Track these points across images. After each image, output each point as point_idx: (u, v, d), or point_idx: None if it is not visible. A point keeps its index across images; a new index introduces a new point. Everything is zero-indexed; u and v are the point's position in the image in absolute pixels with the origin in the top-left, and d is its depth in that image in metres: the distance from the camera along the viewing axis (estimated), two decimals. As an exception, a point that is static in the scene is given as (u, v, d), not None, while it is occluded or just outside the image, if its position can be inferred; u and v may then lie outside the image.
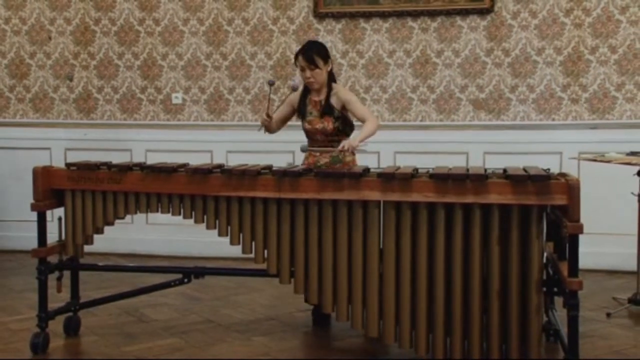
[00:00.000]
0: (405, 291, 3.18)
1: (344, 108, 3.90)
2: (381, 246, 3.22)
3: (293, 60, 4.05)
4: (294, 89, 3.91)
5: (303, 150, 3.94)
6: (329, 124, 3.89)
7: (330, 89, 3.95)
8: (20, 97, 6.19)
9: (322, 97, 3.95)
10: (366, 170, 3.33)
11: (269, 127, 4.04)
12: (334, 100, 3.91)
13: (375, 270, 3.22)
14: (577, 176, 3.24)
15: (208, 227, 3.47)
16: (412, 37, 5.59)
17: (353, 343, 3.75)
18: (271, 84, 3.93)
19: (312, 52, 3.87)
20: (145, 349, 3.63)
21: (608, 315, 4.16)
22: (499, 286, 3.08)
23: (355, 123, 4.00)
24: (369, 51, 5.66)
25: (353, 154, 3.87)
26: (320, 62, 3.87)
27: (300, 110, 3.99)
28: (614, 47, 5.30)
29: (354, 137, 3.75)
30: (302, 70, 3.90)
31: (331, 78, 3.98)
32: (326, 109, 3.91)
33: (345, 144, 3.66)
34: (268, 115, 3.95)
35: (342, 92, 3.96)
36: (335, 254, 3.28)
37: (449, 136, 5.49)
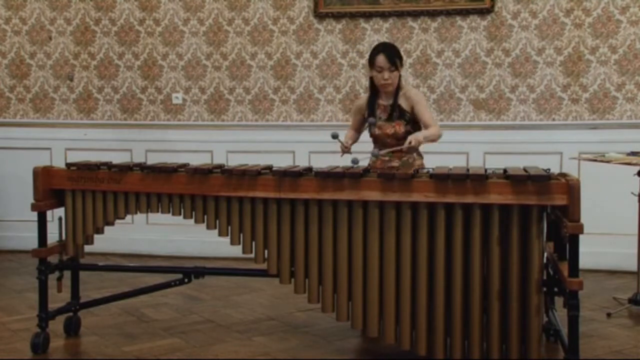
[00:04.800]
0: (406, 291, 3.18)
1: (412, 108, 3.85)
2: (381, 246, 3.22)
3: (367, 63, 3.95)
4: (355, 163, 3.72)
5: (375, 155, 3.82)
6: (400, 128, 3.84)
7: (398, 90, 3.88)
8: (20, 97, 6.19)
9: (391, 101, 3.88)
10: (366, 170, 3.33)
11: (349, 148, 3.93)
12: (402, 102, 3.86)
13: (375, 270, 3.21)
14: (577, 176, 3.25)
15: (208, 227, 3.48)
16: (413, 37, 5.59)
17: (353, 343, 3.75)
18: (335, 137, 3.75)
19: (394, 54, 3.82)
20: (145, 349, 3.63)
21: (608, 315, 4.16)
22: (499, 286, 3.08)
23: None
24: (369, 51, 5.65)
25: (421, 157, 3.89)
26: (399, 64, 3.83)
27: (369, 116, 3.92)
28: (614, 47, 5.30)
29: (418, 133, 3.72)
30: (379, 71, 3.82)
31: (400, 80, 3.91)
32: (397, 113, 3.85)
33: (411, 138, 3.63)
34: (345, 147, 3.87)
35: (412, 93, 3.91)
36: (336, 254, 3.28)
37: (449, 136, 5.43)
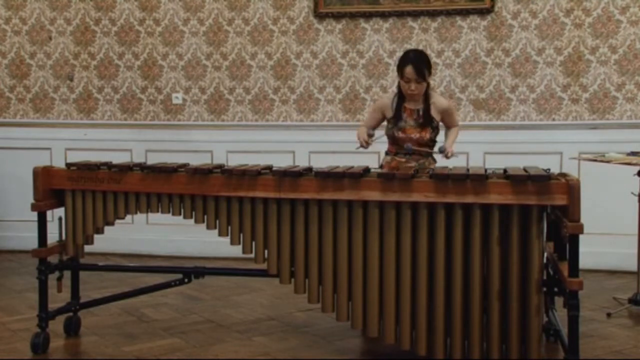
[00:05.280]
0: (406, 291, 3.18)
1: (442, 118, 3.95)
2: (381, 246, 3.22)
3: (396, 69, 3.95)
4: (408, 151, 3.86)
5: (408, 150, 3.85)
6: (426, 135, 3.88)
7: (427, 97, 3.88)
8: (20, 97, 6.19)
9: (420, 106, 3.88)
10: (366, 170, 3.33)
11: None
12: (433, 110, 3.88)
13: (375, 270, 3.21)
14: (577, 176, 3.24)
15: (208, 227, 3.48)
16: (413, 37, 5.59)
17: (353, 343, 3.75)
18: (370, 135, 3.95)
19: (423, 66, 3.79)
20: (145, 349, 3.63)
21: (608, 315, 4.16)
22: (499, 286, 3.08)
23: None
24: (369, 51, 5.67)
25: (435, 161, 3.98)
26: (427, 75, 3.81)
27: (394, 119, 3.91)
28: (614, 47, 5.30)
29: (449, 142, 3.96)
30: (407, 81, 3.80)
31: (428, 86, 3.92)
32: (426, 121, 3.87)
33: (449, 151, 3.87)
34: (367, 143, 3.94)
35: (443, 102, 3.97)
36: (336, 254, 3.28)
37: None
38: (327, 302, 3.32)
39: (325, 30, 5.72)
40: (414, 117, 3.89)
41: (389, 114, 3.95)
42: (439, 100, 3.94)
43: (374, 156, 5.30)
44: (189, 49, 5.94)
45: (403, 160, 3.91)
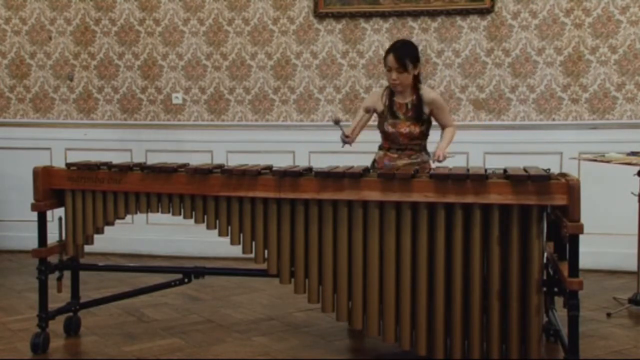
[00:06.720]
0: (406, 291, 3.18)
1: (431, 112, 3.86)
2: (381, 246, 3.22)
3: (382, 59, 3.92)
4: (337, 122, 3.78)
5: (336, 122, 3.76)
6: (415, 129, 3.84)
7: (418, 91, 3.86)
8: (20, 97, 6.19)
9: (409, 99, 3.86)
10: (366, 170, 3.33)
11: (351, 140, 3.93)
12: (423, 104, 3.85)
13: (375, 270, 3.21)
14: (577, 176, 3.24)
15: (208, 227, 3.48)
16: (413, 37, 5.58)
17: (353, 343, 3.75)
18: (337, 122, 3.76)
19: (404, 54, 3.76)
20: (145, 349, 3.63)
21: (608, 315, 4.16)
22: (499, 286, 3.08)
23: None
24: (369, 51, 5.67)
25: (428, 154, 3.91)
26: (409, 66, 3.77)
27: (384, 112, 3.89)
28: (614, 47, 5.30)
29: (442, 146, 3.84)
30: (389, 70, 3.80)
31: (417, 78, 3.88)
32: (416, 115, 3.84)
33: (439, 155, 3.75)
34: (347, 136, 3.84)
35: (432, 96, 3.88)
36: (336, 254, 3.28)
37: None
38: (327, 302, 3.32)
39: (325, 30, 5.72)
40: (403, 110, 3.86)
41: (380, 107, 3.93)
42: (426, 92, 3.89)
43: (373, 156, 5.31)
44: (189, 49, 5.94)
45: (395, 155, 3.89)
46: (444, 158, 3.77)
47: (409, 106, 3.86)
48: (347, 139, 3.85)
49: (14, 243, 5.91)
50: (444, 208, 3.11)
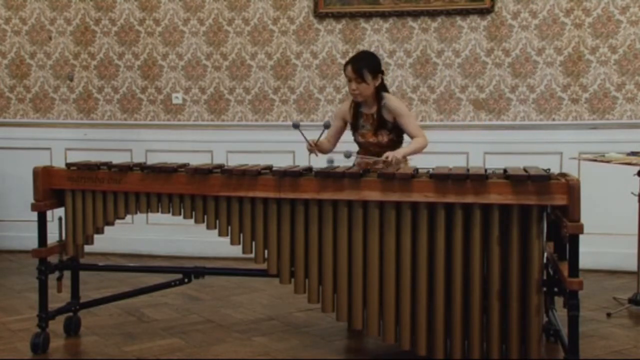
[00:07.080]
0: (406, 291, 3.18)
1: (394, 120, 3.84)
2: (381, 246, 3.21)
3: (343, 69, 3.94)
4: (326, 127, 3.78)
5: (347, 156, 3.70)
6: (383, 138, 3.85)
7: (380, 100, 3.85)
8: (20, 97, 6.19)
9: (374, 110, 3.86)
10: (366, 170, 3.33)
11: (321, 149, 3.92)
12: (385, 113, 3.84)
13: (375, 270, 3.21)
14: (577, 176, 3.24)
15: (208, 227, 3.48)
16: (413, 37, 5.59)
17: (353, 343, 3.75)
18: (296, 126, 3.73)
19: (362, 65, 3.77)
20: (145, 349, 3.63)
21: (608, 315, 4.16)
22: (499, 286, 3.08)
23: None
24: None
25: (406, 159, 3.84)
26: (368, 77, 3.77)
27: (353, 124, 3.92)
28: (614, 47, 5.30)
29: (399, 150, 3.75)
30: (349, 81, 3.81)
31: (381, 89, 3.86)
32: (380, 124, 3.84)
33: (390, 155, 3.63)
34: (312, 145, 3.82)
35: (393, 104, 3.84)
36: (336, 254, 3.28)
37: (449, 136, 5.49)
38: (327, 302, 3.32)
39: (325, 30, 5.72)
40: (370, 121, 3.88)
41: (348, 118, 3.96)
42: (389, 101, 3.86)
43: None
44: (189, 49, 5.94)
45: (371, 162, 3.86)
46: (394, 161, 3.62)
47: (375, 116, 3.87)
48: (311, 148, 3.86)
49: (14, 243, 5.92)
50: (444, 208, 3.11)
